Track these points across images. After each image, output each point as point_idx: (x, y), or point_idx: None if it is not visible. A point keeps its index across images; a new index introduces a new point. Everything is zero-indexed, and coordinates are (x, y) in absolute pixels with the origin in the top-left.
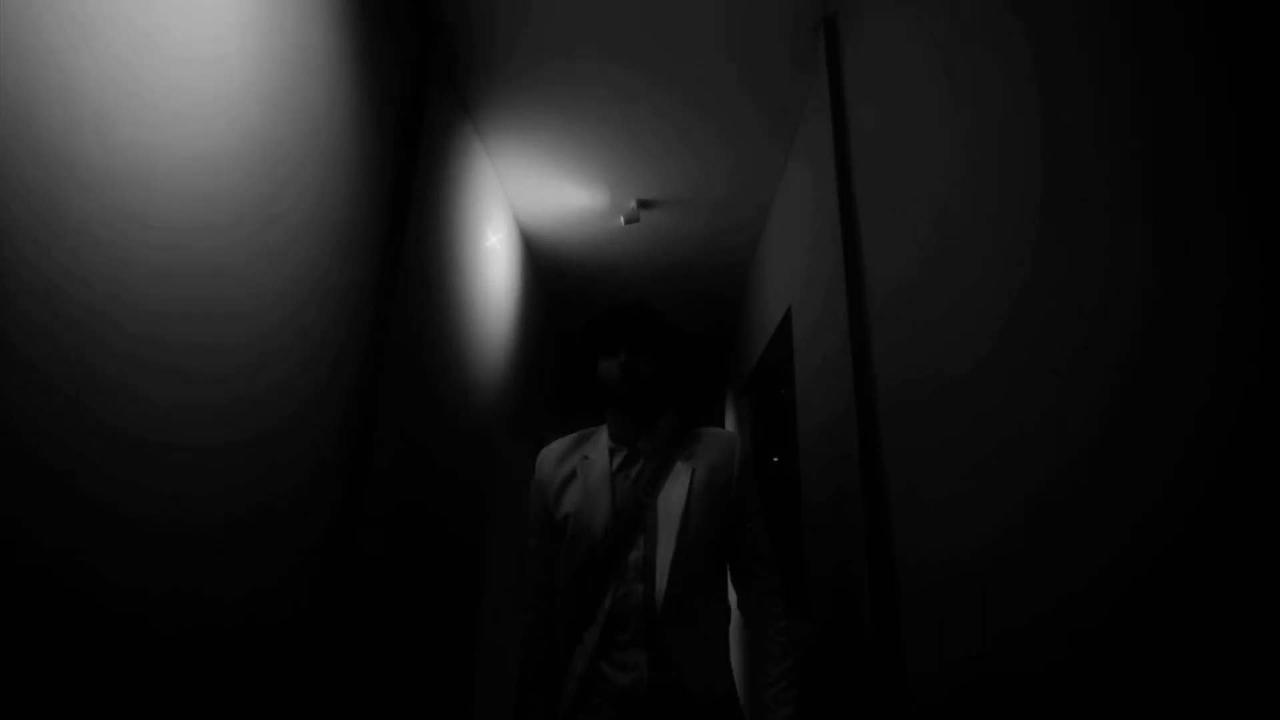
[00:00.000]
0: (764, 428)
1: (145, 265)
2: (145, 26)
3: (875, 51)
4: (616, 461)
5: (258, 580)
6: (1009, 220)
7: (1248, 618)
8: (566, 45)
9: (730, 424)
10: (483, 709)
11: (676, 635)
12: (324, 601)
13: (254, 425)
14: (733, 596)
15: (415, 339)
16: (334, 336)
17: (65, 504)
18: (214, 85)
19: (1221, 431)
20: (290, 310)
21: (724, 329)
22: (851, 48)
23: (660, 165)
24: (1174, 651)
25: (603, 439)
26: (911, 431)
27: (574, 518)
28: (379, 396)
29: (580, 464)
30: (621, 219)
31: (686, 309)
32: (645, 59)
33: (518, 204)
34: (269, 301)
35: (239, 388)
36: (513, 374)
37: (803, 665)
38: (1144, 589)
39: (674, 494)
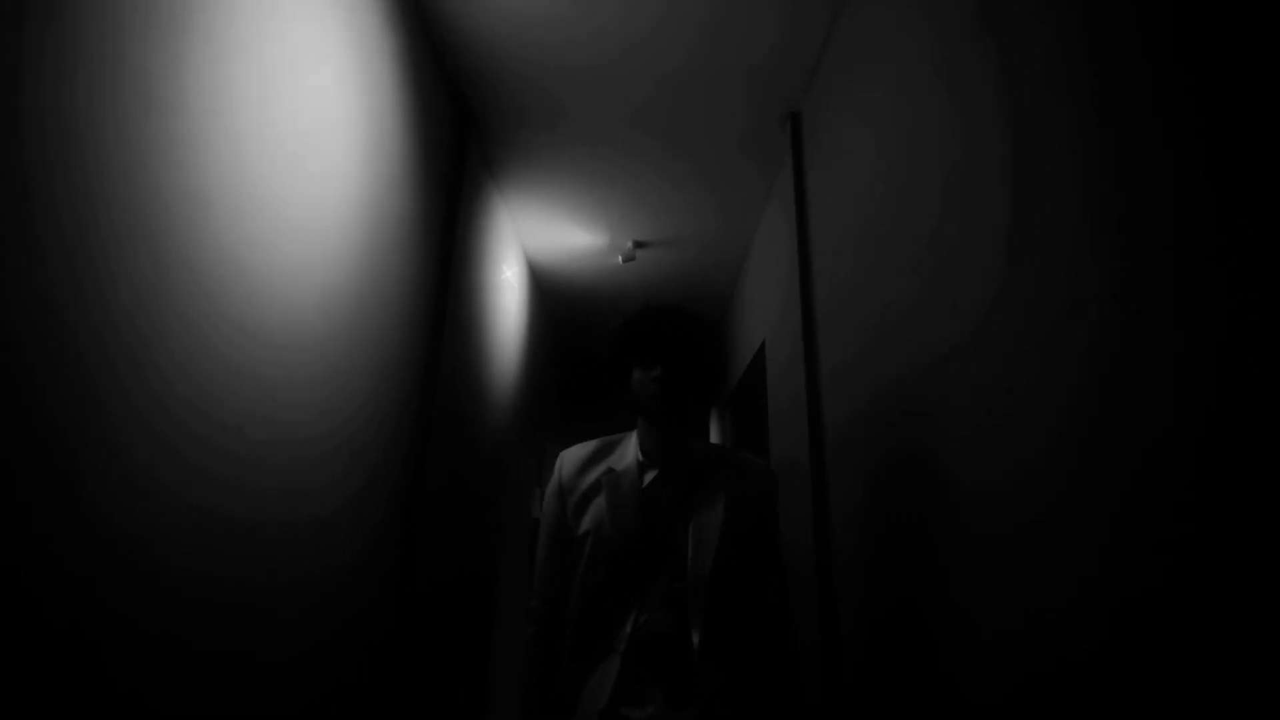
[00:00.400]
0: (745, 439)
1: (257, 376)
2: (296, 218)
3: (827, 138)
4: (647, 480)
5: (352, 611)
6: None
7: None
8: (574, 111)
9: (715, 436)
10: (496, 706)
11: (706, 667)
12: (397, 619)
13: (345, 490)
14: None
15: (452, 380)
16: (396, 409)
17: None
18: (323, 249)
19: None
20: (352, 420)
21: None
22: (809, 135)
23: (655, 211)
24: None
25: (630, 452)
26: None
27: (595, 535)
28: (431, 443)
29: (605, 476)
30: (619, 258)
31: None
32: (644, 123)
33: (528, 243)
34: (336, 406)
35: (334, 465)
36: (522, 393)
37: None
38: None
39: (709, 520)
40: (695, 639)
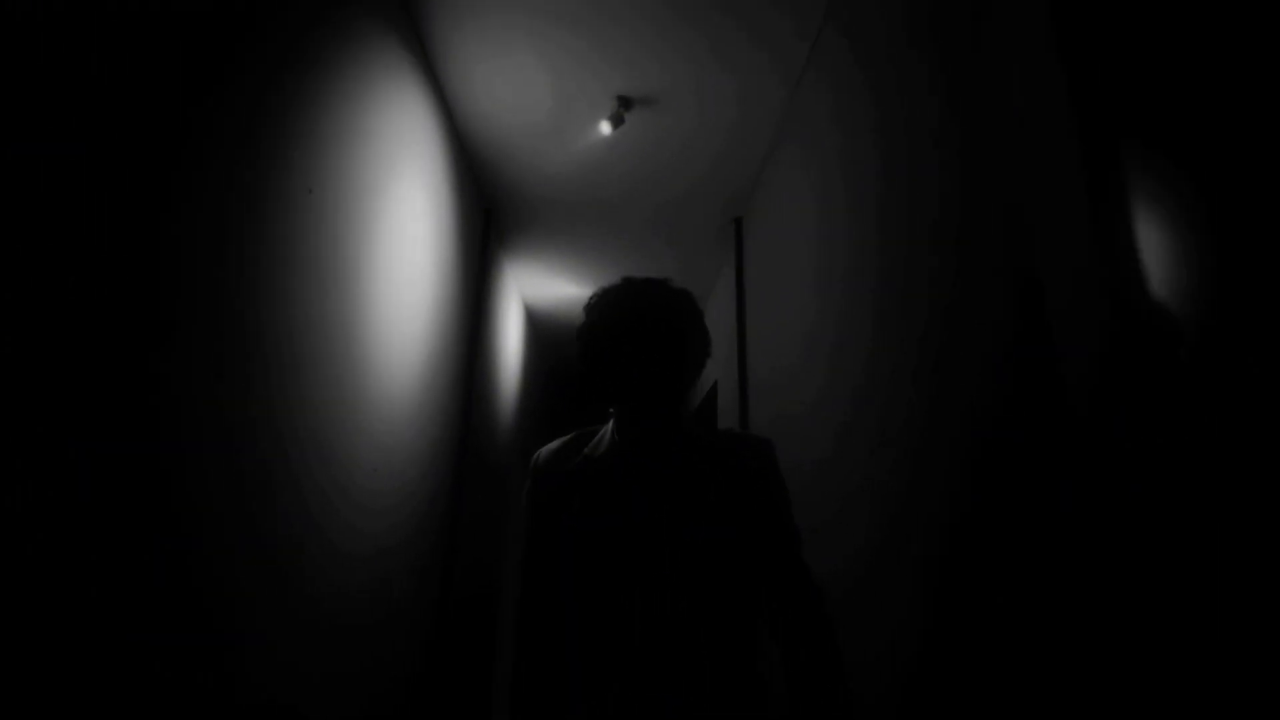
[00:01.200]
0: None
1: (367, 432)
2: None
3: (758, 235)
4: (629, 468)
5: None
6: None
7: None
8: (562, 194)
9: None
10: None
11: (702, 666)
12: (441, 628)
13: (415, 521)
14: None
15: (478, 414)
16: (446, 450)
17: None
18: (412, 354)
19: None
20: (425, 459)
21: None
22: (749, 235)
23: (631, 273)
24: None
25: (606, 441)
26: None
27: (575, 531)
28: (464, 475)
29: (583, 467)
30: None
31: None
32: (626, 203)
33: (526, 292)
34: (411, 456)
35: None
36: (520, 414)
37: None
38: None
39: (698, 507)
40: (685, 632)
